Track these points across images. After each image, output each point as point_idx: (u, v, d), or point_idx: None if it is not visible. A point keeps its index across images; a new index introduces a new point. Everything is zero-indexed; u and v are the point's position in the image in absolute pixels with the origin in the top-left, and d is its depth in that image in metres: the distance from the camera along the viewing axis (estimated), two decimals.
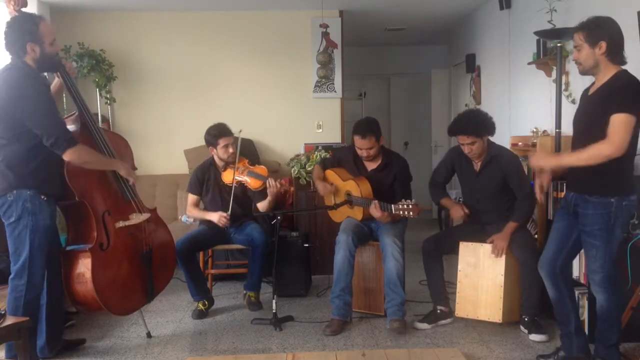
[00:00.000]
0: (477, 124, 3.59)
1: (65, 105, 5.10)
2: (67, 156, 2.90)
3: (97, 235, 3.11)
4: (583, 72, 2.82)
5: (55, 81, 3.25)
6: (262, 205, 4.07)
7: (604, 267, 2.76)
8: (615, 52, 2.69)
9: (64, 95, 5.04)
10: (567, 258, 3.00)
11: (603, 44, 2.66)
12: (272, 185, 3.92)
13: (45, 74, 3.15)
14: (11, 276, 2.97)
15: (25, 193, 2.91)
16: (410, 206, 3.41)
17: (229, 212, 3.98)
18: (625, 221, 2.83)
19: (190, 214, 4.23)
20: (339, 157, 4.05)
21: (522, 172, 3.75)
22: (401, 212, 3.44)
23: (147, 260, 3.35)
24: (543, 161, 2.90)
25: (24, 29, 2.90)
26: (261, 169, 4.06)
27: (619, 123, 2.61)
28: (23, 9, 3.09)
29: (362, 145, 3.73)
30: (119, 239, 3.21)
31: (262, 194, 4.02)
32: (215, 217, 4.02)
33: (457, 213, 3.72)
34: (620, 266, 2.89)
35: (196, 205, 4.23)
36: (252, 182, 3.97)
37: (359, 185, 3.74)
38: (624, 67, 2.74)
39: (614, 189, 2.73)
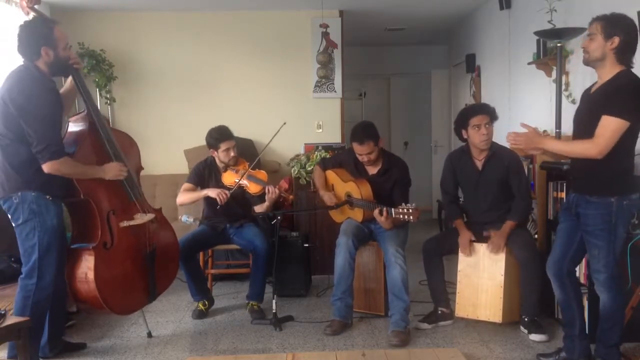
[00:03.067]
0: (491, 107, 3.73)
1: (78, 108, 5.10)
2: (46, 167, 2.88)
3: (101, 234, 3.12)
4: (586, 62, 2.77)
5: (68, 81, 3.23)
6: (259, 209, 4.05)
7: (608, 267, 2.76)
8: (625, 52, 2.67)
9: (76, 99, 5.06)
10: (574, 259, 2.99)
11: (616, 39, 2.64)
12: (272, 191, 3.89)
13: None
14: (22, 276, 2.98)
15: (30, 195, 2.91)
16: (410, 210, 3.40)
17: (230, 192, 3.90)
18: (627, 220, 2.83)
19: (183, 198, 4.07)
20: (340, 160, 4.05)
21: (523, 171, 3.76)
22: (401, 217, 3.42)
23: (150, 260, 3.35)
24: (528, 142, 2.84)
25: (40, 32, 2.92)
26: (261, 174, 4.02)
27: (608, 126, 2.62)
28: (36, 6, 3.12)
29: (361, 151, 3.73)
30: (123, 238, 3.21)
31: (260, 197, 4.00)
32: (215, 191, 3.91)
33: (464, 242, 3.68)
34: (621, 266, 2.89)
35: (191, 191, 4.11)
36: (251, 187, 3.94)
37: (359, 187, 3.74)
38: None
39: (615, 189, 2.73)
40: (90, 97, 3.23)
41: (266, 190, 3.90)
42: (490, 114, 3.65)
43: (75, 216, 3.25)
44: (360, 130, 3.75)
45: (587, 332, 3.03)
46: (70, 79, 3.21)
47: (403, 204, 3.47)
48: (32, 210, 2.91)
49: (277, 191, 3.90)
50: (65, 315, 3.51)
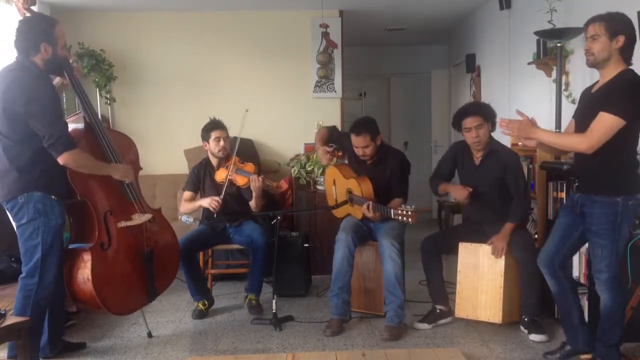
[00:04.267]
0: (485, 106, 3.73)
1: (66, 105, 5.10)
2: (62, 159, 2.88)
3: (98, 234, 3.12)
4: (592, 64, 2.76)
5: (57, 80, 3.24)
6: (251, 204, 4.08)
7: (610, 267, 2.77)
8: (629, 50, 2.69)
9: (63, 95, 5.06)
10: (567, 254, 3.02)
11: (621, 38, 2.65)
12: (254, 179, 3.93)
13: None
14: (22, 275, 2.98)
15: (36, 194, 2.91)
16: (410, 212, 3.38)
17: (222, 196, 3.98)
18: (631, 220, 2.83)
19: (185, 209, 4.21)
20: (345, 146, 4.15)
21: (522, 170, 3.74)
22: (399, 218, 3.41)
23: (149, 260, 3.35)
24: (520, 130, 2.86)
25: (41, 28, 2.93)
26: (248, 166, 4.09)
27: (603, 122, 2.62)
28: (32, 7, 3.13)
29: (358, 144, 3.75)
30: (120, 239, 3.21)
31: (249, 190, 4.03)
32: (206, 201, 4.02)
33: (460, 194, 3.62)
34: (621, 266, 2.89)
35: (190, 201, 4.22)
36: (239, 180, 4.00)
37: (360, 184, 3.74)
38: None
39: (620, 189, 2.73)
40: (87, 97, 3.22)
41: (250, 180, 3.92)
42: (482, 114, 3.61)
43: (73, 216, 3.25)
44: (360, 122, 3.81)
45: (586, 322, 3.03)
46: (57, 79, 3.22)
47: (402, 205, 3.46)
48: (37, 210, 2.91)
49: (259, 179, 3.93)
50: (65, 315, 3.51)
